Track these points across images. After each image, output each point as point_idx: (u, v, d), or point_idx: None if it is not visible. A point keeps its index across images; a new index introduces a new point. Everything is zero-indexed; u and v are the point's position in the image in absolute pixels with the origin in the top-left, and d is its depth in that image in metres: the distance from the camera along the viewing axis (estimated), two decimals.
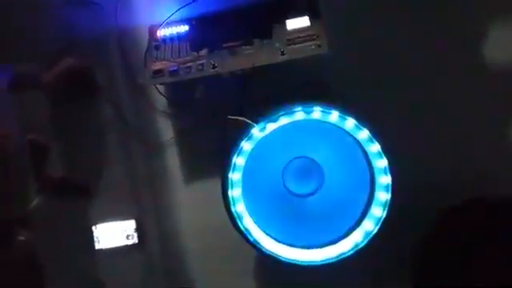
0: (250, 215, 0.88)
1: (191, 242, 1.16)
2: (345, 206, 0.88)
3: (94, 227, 1.14)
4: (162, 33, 1.04)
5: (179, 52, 1.02)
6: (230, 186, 0.86)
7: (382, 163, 0.84)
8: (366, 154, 0.86)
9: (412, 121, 1.10)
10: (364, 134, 0.83)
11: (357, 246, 0.86)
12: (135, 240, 1.14)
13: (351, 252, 0.86)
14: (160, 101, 1.13)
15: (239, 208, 0.87)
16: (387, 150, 0.84)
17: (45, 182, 1.11)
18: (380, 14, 1.09)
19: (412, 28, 1.09)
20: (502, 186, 0.98)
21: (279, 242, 0.88)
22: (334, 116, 0.83)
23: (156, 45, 1.04)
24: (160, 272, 1.17)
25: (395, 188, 0.85)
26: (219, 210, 0.89)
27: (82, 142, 1.15)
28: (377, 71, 1.10)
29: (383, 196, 0.85)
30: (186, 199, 1.15)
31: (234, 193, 0.86)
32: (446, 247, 0.99)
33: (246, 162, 0.86)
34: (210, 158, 1.10)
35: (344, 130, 0.84)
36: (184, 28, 1.04)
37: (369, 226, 0.86)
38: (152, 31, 1.06)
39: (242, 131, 0.87)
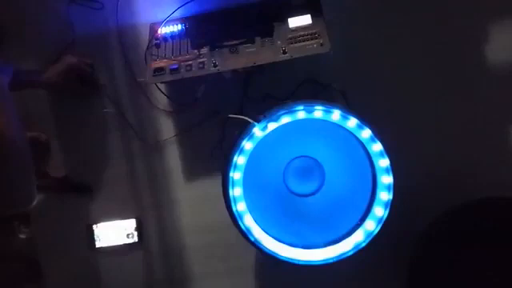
0: (251, 214, 0.87)
1: (192, 241, 1.16)
2: (346, 205, 0.88)
3: (94, 226, 1.14)
4: (162, 31, 1.04)
5: (180, 50, 1.02)
6: (230, 185, 0.86)
7: (384, 163, 0.83)
8: (367, 153, 0.85)
9: (412, 121, 1.10)
10: (366, 134, 0.83)
11: (358, 245, 0.86)
12: (135, 239, 1.14)
13: (352, 252, 0.86)
14: (160, 99, 1.12)
15: (240, 207, 0.87)
16: (389, 150, 0.84)
17: (46, 180, 1.11)
18: (380, 14, 1.09)
19: (412, 28, 1.09)
20: (502, 186, 0.98)
21: (280, 241, 0.88)
22: (336, 115, 0.83)
23: (157, 43, 1.04)
24: (160, 271, 1.17)
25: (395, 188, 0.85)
26: (220, 209, 0.89)
27: (83, 140, 1.14)
28: (377, 71, 1.10)
29: (385, 196, 0.84)
30: (187, 198, 1.15)
31: (235, 192, 0.86)
32: (445, 247, 0.99)
33: (247, 161, 0.86)
34: (211, 156, 1.10)
35: (346, 129, 0.84)
36: (185, 26, 1.04)
37: (370, 225, 0.86)
38: (153, 29, 1.06)
39: (243, 130, 0.87)
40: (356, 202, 0.87)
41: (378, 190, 0.85)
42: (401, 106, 1.10)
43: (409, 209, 1.01)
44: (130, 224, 1.14)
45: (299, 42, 0.96)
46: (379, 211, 0.85)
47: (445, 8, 1.08)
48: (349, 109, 0.86)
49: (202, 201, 1.13)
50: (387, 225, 0.85)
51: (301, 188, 0.90)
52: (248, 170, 0.86)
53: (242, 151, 0.85)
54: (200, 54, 0.99)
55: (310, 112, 0.84)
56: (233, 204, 0.86)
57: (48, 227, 1.15)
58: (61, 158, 1.14)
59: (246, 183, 0.86)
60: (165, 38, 1.04)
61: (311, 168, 0.89)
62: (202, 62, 0.98)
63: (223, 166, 0.87)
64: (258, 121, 0.84)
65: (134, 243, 1.14)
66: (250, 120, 0.85)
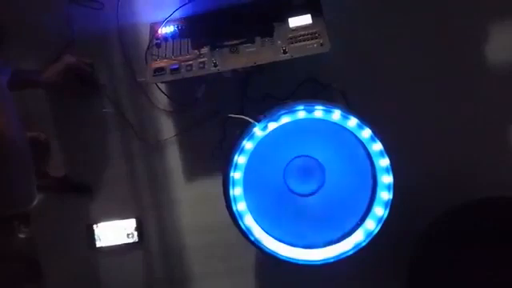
0: (251, 214, 0.87)
1: (192, 241, 1.16)
2: (346, 205, 0.88)
3: (94, 226, 1.13)
4: (163, 30, 1.04)
5: (180, 50, 1.02)
6: (231, 184, 0.85)
7: (384, 162, 0.83)
8: (368, 153, 0.85)
9: (412, 121, 1.10)
10: (366, 133, 0.83)
11: (358, 245, 0.86)
12: (136, 238, 1.14)
13: (352, 251, 0.86)
14: (161, 99, 1.12)
15: (240, 207, 0.86)
16: (389, 150, 0.84)
17: (45, 180, 1.11)
18: (380, 14, 1.10)
19: (412, 28, 1.09)
20: (502, 186, 0.98)
21: (280, 241, 0.88)
22: (336, 115, 0.83)
23: (157, 43, 1.04)
24: (160, 271, 1.17)
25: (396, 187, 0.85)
26: (220, 209, 0.89)
27: (83, 139, 1.14)
28: (377, 71, 1.10)
29: (385, 195, 0.84)
30: (187, 198, 1.15)
31: (236, 192, 0.86)
32: (445, 247, 0.99)
33: (248, 160, 0.86)
34: (211, 156, 1.09)
35: (346, 128, 0.84)
36: (185, 26, 1.04)
37: (370, 225, 0.86)
38: (153, 29, 1.06)
39: (244, 130, 0.86)
40: (356, 202, 0.87)
41: (378, 190, 0.85)
42: (401, 105, 1.10)
43: (409, 209, 1.01)
44: (129, 224, 1.14)
45: (299, 41, 0.96)
46: (379, 211, 0.85)
47: (445, 8, 1.08)
48: (349, 108, 0.86)
49: (203, 201, 1.13)
50: (387, 225, 0.85)
51: (301, 188, 0.90)
52: (248, 169, 0.86)
53: (242, 151, 0.85)
54: (200, 54, 0.99)
55: (311, 112, 0.84)
56: (233, 204, 0.86)
57: (48, 227, 1.15)
58: (61, 158, 1.14)
59: (247, 183, 0.86)
60: (165, 38, 1.04)
61: (311, 168, 0.89)
62: (203, 62, 0.98)
63: (223, 166, 0.87)
64: (259, 120, 0.84)
65: (133, 243, 1.14)
66: (250, 120, 0.85)
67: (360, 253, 0.86)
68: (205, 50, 1.00)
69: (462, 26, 1.09)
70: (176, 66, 0.98)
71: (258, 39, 0.99)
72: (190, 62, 0.98)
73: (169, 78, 0.98)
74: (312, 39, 0.96)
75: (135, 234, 1.14)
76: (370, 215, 0.86)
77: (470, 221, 0.99)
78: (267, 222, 0.88)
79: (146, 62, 1.02)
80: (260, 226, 0.88)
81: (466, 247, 0.97)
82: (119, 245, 1.14)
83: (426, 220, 1.02)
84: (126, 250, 1.14)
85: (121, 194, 1.14)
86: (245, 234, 0.87)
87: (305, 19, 0.99)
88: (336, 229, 0.88)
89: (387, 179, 0.84)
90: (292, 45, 0.96)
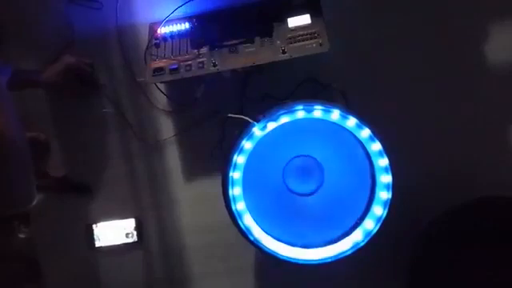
0: (251, 214, 0.87)
1: (191, 241, 1.16)
2: (345, 204, 0.88)
3: (94, 225, 1.14)
4: (162, 30, 1.04)
5: (179, 50, 1.02)
6: (230, 184, 0.85)
7: (383, 162, 0.83)
8: (367, 152, 0.85)
9: (412, 120, 1.10)
10: (365, 133, 0.83)
11: (357, 245, 0.85)
12: (135, 238, 1.14)
13: (351, 251, 0.86)
14: (160, 99, 1.12)
15: (239, 207, 0.86)
16: (389, 150, 0.84)
17: (45, 180, 1.11)
18: (380, 14, 1.09)
19: (412, 28, 1.09)
20: (502, 186, 0.98)
21: (279, 240, 0.88)
22: (336, 115, 0.83)
23: (156, 43, 1.04)
24: (160, 270, 1.17)
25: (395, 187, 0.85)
26: (219, 209, 0.89)
27: (82, 139, 1.14)
28: (377, 71, 1.10)
29: (384, 195, 0.84)
30: (186, 198, 1.15)
31: (235, 191, 0.86)
32: (445, 247, 0.99)
33: (247, 160, 0.86)
34: (211, 156, 1.09)
35: (345, 128, 0.84)
36: (184, 26, 1.04)
37: (369, 225, 0.86)
38: (152, 29, 1.06)
39: (243, 130, 0.86)
40: (355, 202, 0.87)
41: (377, 190, 0.85)
42: (401, 105, 1.10)
43: (409, 209, 1.01)
44: (129, 224, 1.14)
45: (298, 41, 0.96)
46: (378, 210, 0.85)
47: (445, 8, 1.08)
48: (348, 108, 0.86)
49: (202, 200, 1.13)
50: (387, 225, 0.85)
51: (300, 187, 0.90)
52: (247, 169, 0.86)
53: (241, 151, 0.85)
54: (199, 54, 1.00)
55: (310, 112, 0.84)
56: (232, 203, 0.86)
57: (48, 227, 1.15)
58: (60, 158, 1.14)
59: (246, 183, 0.86)
60: (164, 38, 1.04)
61: (310, 167, 0.89)
62: (202, 62, 0.98)
63: (223, 166, 0.87)
64: (258, 120, 0.84)
65: (133, 243, 1.14)
66: (249, 120, 0.85)
67: (359, 252, 0.86)
68: (204, 49, 1.00)
69: (462, 25, 1.09)
70: (175, 66, 0.99)
71: (257, 39, 0.99)
72: (189, 62, 0.98)
73: (168, 78, 0.98)
74: (311, 39, 0.96)
75: (134, 233, 1.14)
76: (368, 215, 0.86)
77: (469, 221, 0.99)
78: (266, 221, 0.88)
79: (146, 62, 1.02)
80: (259, 225, 0.88)
81: (466, 247, 0.97)
82: (118, 245, 1.14)
83: (425, 220, 1.02)
84: (125, 250, 1.14)
85: (120, 193, 1.14)
86: (244, 234, 0.87)
87: (304, 19, 0.99)
88: (335, 228, 0.88)
89: (386, 179, 0.84)
90: (291, 45, 0.96)
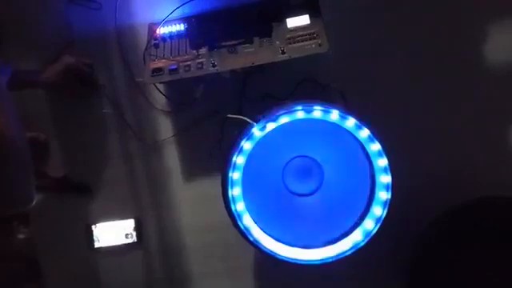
0: (250, 214, 0.87)
1: (191, 241, 1.16)
2: (345, 205, 0.88)
3: (93, 226, 1.14)
4: (161, 31, 1.04)
5: (179, 50, 1.02)
6: (229, 184, 0.85)
7: (382, 162, 0.83)
8: (366, 153, 0.85)
9: (412, 120, 1.10)
10: (364, 133, 0.83)
11: (357, 245, 0.85)
12: (134, 239, 1.14)
13: (351, 251, 0.86)
14: (159, 99, 1.12)
15: (239, 207, 0.86)
16: (388, 150, 0.84)
17: (45, 180, 1.11)
18: (380, 14, 1.09)
19: (412, 28, 1.09)
20: (502, 185, 0.98)
21: (279, 241, 0.88)
22: (335, 115, 0.83)
23: (155, 43, 1.04)
24: (160, 271, 1.17)
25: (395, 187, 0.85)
26: (219, 209, 0.89)
27: (82, 140, 1.14)
28: (376, 71, 1.10)
29: (384, 195, 0.84)
30: (186, 198, 1.15)
31: (234, 192, 0.86)
32: (445, 247, 0.99)
33: (246, 161, 0.86)
34: (210, 156, 1.09)
35: (344, 129, 0.84)
36: (184, 26, 1.05)
37: (369, 225, 0.85)
38: (151, 29, 1.06)
39: (242, 130, 0.86)
40: (355, 202, 0.87)
41: (377, 190, 0.85)
42: (400, 105, 1.09)
43: (409, 209, 1.01)
44: (128, 224, 1.14)
45: (298, 42, 0.96)
46: (378, 210, 0.85)
47: (445, 8, 1.08)
48: (347, 109, 0.85)
49: (202, 201, 1.13)
50: (387, 225, 0.85)
51: (300, 188, 0.90)
52: (247, 169, 0.86)
53: (241, 151, 0.85)
54: (199, 55, 0.99)
55: (309, 112, 0.83)
56: (232, 204, 0.86)
57: (47, 227, 1.15)
58: (60, 158, 1.14)
59: (245, 183, 0.86)
60: (163, 39, 1.04)
61: (310, 168, 0.89)
62: (201, 63, 0.98)
63: (222, 166, 0.87)
64: (257, 121, 0.84)
65: (132, 243, 1.14)
66: (248, 120, 0.85)
67: (359, 253, 0.86)
68: (203, 50, 1.00)
69: (462, 26, 1.09)
70: (174, 67, 0.98)
71: (256, 39, 0.99)
72: (189, 63, 0.98)
73: (167, 78, 0.98)
74: (310, 39, 0.96)
75: (134, 234, 1.14)
76: (368, 215, 0.86)
77: (470, 221, 0.99)
78: (266, 222, 0.88)
79: (145, 63, 1.02)
80: (259, 226, 0.88)
81: (466, 247, 0.97)
82: (118, 245, 1.14)
83: (425, 220, 1.02)
84: (124, 251, 1.15)
85: (120, 194, 1.14)
86: (244, 234, 0.87)
87: (303, 19, 0.99)
88: (335, 229, 0.88)
89: (385, 179, 0.84)
90: (290, 45, 0.96)
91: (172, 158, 1.14)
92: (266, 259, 0.87)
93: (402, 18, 1.09)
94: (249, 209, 0.87)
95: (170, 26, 1.05)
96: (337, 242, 0.87)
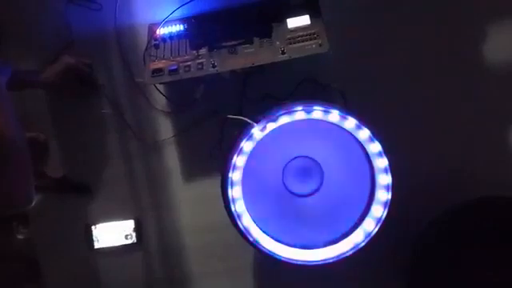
0: (250, 214, 0.87)
1: (191, 241, 1.16)
2: (345, 205, 0.88)
3: (93, 227, 1.13)
4: (161, 31, 1.04)
5: (179, 51, 1.02)
6: (229, 185, 0.85)
7: (382, 163, 0.83)
8: (366, 153, 0.85)
9: (412, 120, 1.10)
10: (364, 134, 0.83)
11: (357, 245, 0.85)
12: (134, 240, 1.14)
13: (351, 252, 0.85)
14: (159, 99, 1.12)
15: (239, 207, 0.86)
16: (389, 150, 0.84)
17: (44, 180, 1.11)
18: (379, 14, 1.09)
19: (412, 28, 1.09)
20: (502, 185, 0.98)
21: (279, 241, 0.88)
22: (335, 115, 0.83)
23: (155, 43, 1.04)
24: (160, 271, 1.17)
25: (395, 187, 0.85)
26: (219, 210, 0.89)
27: (82, 140, 1.14)
28: (376, 71, 1.10)
29: (384, 195, 0.84)
30: (186, 198, 1.15)
31: (234, 192, 0.86)
32: (445, 247, 0.99)
33: (246, 161, 0.86)
34: (210, 157, 1.09)
35: (344, 129, 0.84)
36: (183, 27, 1.04)
37: (369, 225, 0.85)
38: (151, 30, 1.05)
39: (242, 130, 0.86)
40: (355, 202, 0.87)
41: (377, 190, 0.85)
42: (400, 105, 1.09)
43: (409, 209, 1.01)
44: (128, 225, 1.14)
45: (298, 42, 0.96)
46: (378, 211, 0.85)
47: (445, 8, 1.08)
48: (348, 109, 0.85)
49: (201, 201, 1.13)
50: (387, 225, 0.85)
51: (300, 188, 0.90)
52: (247, 170, 0.86)
53: (241, 151, 0.85)
54: (199, 55, 0.99)
55: (309, 112, 0.83)
56: (232, 204, 0.86)
57: (47, 227, 1.15)
58: (60, 158, 1.14)
59: (245, 183, 0.86)
60: (163, 39, 1.04)
61: (310, 168, 0.89)
62: (201, 63, 0.98)
63: (222, 167, 0.87)
64: (257, 121, 0.84)
65: (132, 244, 1.14)
66: (248, 120, 0.85)
67: (359, 253, 0.86)
68: (203, 50, 1.00)
69: (462, 25, 1.09)
70: (174, 67, 0.98)
71: (256, 40, 0.99)
72: (189, 63, 0.98)
73: (167, 78, 0.98)
74: (310, 40, 0.96)
75: (133, 235, 1.14)
76: (368, 215, 0.86)
77: (470, 221, 0.99)
78: (266, 222, 0.88)
79: (145, 63, 1.02)
80: (258, 226, 0.88)
81: (466, 247, 0.97)
82: (117, 246, 1.14)
83: (425, 220, 1.02)
84: (124, 251, 1.15)
85: (120, 194, 1.14)
86: (243, 235, 0.87)
87: (303, 20, 0.98)
88: (335, 229, 0.88)
89: (385, 179, 0.84)
90: (290, 45, 0.96)
91: (172, 158, 1.14)
92: (266, 259, 0.87)
93: (402, 18, 1.09)
94: (248, 209, 0.87)
95: (170, 27, 1.04)
96: (337, 242, 0.87)
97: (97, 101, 1.13)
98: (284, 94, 1.07)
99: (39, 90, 1.10)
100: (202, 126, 1.11)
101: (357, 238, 0.86)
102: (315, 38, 0.96)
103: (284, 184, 0.90)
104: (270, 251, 0.87)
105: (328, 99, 1.01)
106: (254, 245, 0.87)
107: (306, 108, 0.83)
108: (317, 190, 0.90)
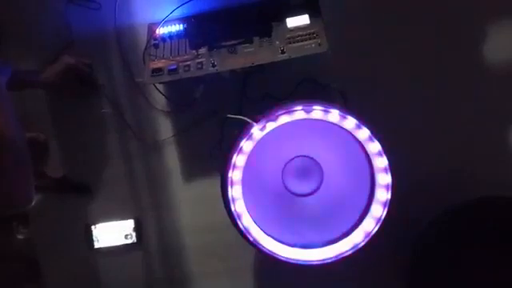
0: (250, 214, 0.87)
1: (191, 241, 1.16)
2: (345, 205, 0.88)
3: (93, 226, 1.13)
4: (161, 31, 1.04)
5: (178, 50, 1.02)
6: (229, 185, 0.85)
7: (382, 162, 0.83)
8: (366, 153, 0.85)
9: (412, 120, 1.10)
10: (364, 133, 0.83)
11: (357, 245, 0.85)
12: (134, 239, 1.14)
13: (351, 251, 0.85)
14: (159, 99, 1.12)
15: (239, 207, 0.86)
16: (388, 150, 0.84)
17: (44, 180, 1.11)
18: (379, 14, 1.09)
19: (412, 28, 1.09)
20: (502, 185, 0.98)
21: (279, 241, 0.88)
22: (335, 115, 0.83)
23: (155, 43, 1.04)
24: (160, 271, 1.17)
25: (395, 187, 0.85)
26: (219, 209, 0.89)
27: (82, 140, 1.14)
28: (376, 71, 1.09)
29: (383, 195, 0.84)
30: (186, 198, 1.15)
31: (234, 192, 0.86)
32: (445, 247, 0.99)
33: (246, 161, 0.86)
34: (210, 156, 1.09)
35: (344, 129, 0.84)
36: (183, 26, 1.04)
37: (369, 225, 0.85)
38: (151, 29, 1.06)
39: (242, 130, 0.86)
40: (354, 202, 0.87)
41: (377, 190, 0.85)
42: (400, 105, 1.09)
43: (409, 209, 1.01)
44: (128, 225, 1.14)
45: (297, 41, 0.96)
46: (378, 210, 0.85)
47: (445, 8, 1.08)
48: (347, 108, 0.85)
49: (201, 201, 1.13)
50: (387, 225, 0.85)
51: (299, 188, 0.90)
52: (247, 169, 0.86)
53: (240, 151, 0.85)
54: (198, 55, 0.99)
55: (309, 112, 0.83)
56: (231, 204, 0.86)
57: (47, 227, 1.15)
58: (60, 158, 1.14)
59: (245, 183, 0.86)
60: (163, 39, 1.04)
61: (310, 168, 0.89)
62: (201, 63, 0.98)
63: (222, 166, 0.87)
64: (257, 121, 0.84)
65: (132, 244, 1.14)
66: (248, 120, 0.85)
67: (359, 253, 0.86)
68: (203, 50, 1.00)
69: (462, 26, 1.09)
70: (174, 67, 0.98)
71: (256, 39, 0.99)
72: (188, 63, 0.98)
73: (167, 78, 0.98)
74: (310, 39, 0.96)
75: (133, 234, 1.14)
76: (368, 215, 0.86)
77: (470, 221, 0.99)
78: (266, 222, 0.88)
79: (144, 63, 1.02)
80: (258, 226, 0.88)
81: (466, 247, 0.97)
82: (117, 246, 1.14)
83: (425, 220, 1.02)
84: (124, 251, 1.15)
85: (120, 194, 1.14)
86: (243, 235, 0.87)
87: (303, 19, 0.98)
88: (334, 229, 0.88)
89: (385, 179, 0.84)
90: (290, 45, 0.96)
91: (172, 158, 1.14)
92: (266, 259, 0.87)
93: (402, 18, 1.09)
94: (248, 209, 0.87)
95: (169, 26, 1.04)
96: (337, 242, 0.87)
97: (97, 101, 1.13)
98: (284, 94, 1.07)
99: (39, 89, 1.10)
100: (202, 126, 1.11)
101: (356, 237, 0.86)
102: (314, 38, 0.96)
103: (284, 183, 0.90)
104: (269, 251, 0.87)
105: (328, 99, 1.01)
106: (254, 245, 0.87)
107: (305, 108, 0.83)
108: (316, 190, 0.90)
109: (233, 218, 0.87)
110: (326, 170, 0.89)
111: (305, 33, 0.97)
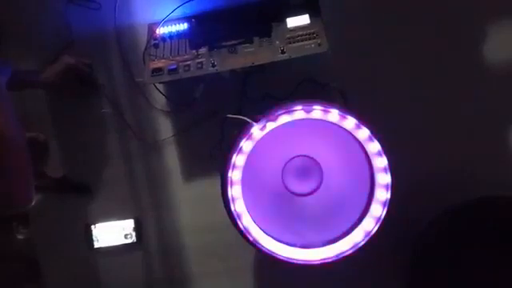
0: (250, 214, 0.87)
1: (191, 241, 1.16)
2: (344, 204, 0.88)
3: (92, 226, 1.14)
4: (161, 31, 1.04)
5: (178, 50, 1.02)
6: (229, 184, 0.85)
7: (381, 162, 0.83)
8: (365, 153, 0.85)
9: (412, 120, 1.10)
10: (364, 133, 0.83)
11: (356, 245, 0.85)
12: (134, 239, 1.14)
13: (351, 251, 0.85)
14: (159, 99, 1.12)
15: (238, 207, 0.86)
16: (388, 150, 0.84)
17: (44, 180, 1.11)
18: (379, 14, 1.09)
19: (411, 28, 1.09)
20: (502, 185, 0.98)
21: (278, 240, 0.88)
22: (334, 115, 0.83)
23: (155, 43, 1.04)
24: (160, 271, 1.17)
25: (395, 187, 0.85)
26: (219, 209, 0.89)
27: (82, 140, 1.14)
28: (376, 71, 1.09)
29: (383, 195, 0.84)
30: (186, 198, 1.15)
31: (234, 192, 0.86)
32: (445, 247, 0.99)
33: (246, 160, 0.86)
34: (210, 156, 1.09)
35: (344, 128, 0.84)
36: (183, 26, 1.04)
37: (369, 225, 0.85)
38: (151, 29, 1.06)
39: (242, 130, 0.86)
40: (354, 202, 0.87)
41: (376, 189, 0.85)
42: (400, 105, 1.09)
43: (409, 209, 1.01)
44: (128, 224, 1.14)
45: (297, 41, 0.96)
46: (377, 210, 0.85)
47: (445, 8, 1.08)
48: (347, 108, 0.85)
49: (201, 200, 1.13)
50: (387, 225, 0.85)
51: (299, 187, 0.90)
52: (246, 169, 0.86)
53: (240, 151, 0.85)
54: (198, 54, 0.99)
55: (309, 112, 0.83)
56: (231, 204, 0.86)
57: (47, 227, 1.15)
58: (60, 158, 1.14)
59: (245, 183, 0.86)
60: (163, 38, 1.04)
61: (309, 167, 0.89)
62: (201, 62, 0.98)
63: (222, 166, 0.87)
64: (257, 121, 0.84)
65: (132, 243, 1.14)
66: (248, 120, 0.85)
67: (359, 253, 0.86)
68: (203, 50, 1.00)
69: (462, 25, 1.09)
70: (174, 67, 0.98)
71: (256, 39, 0.99)
72: (188, 63, 0.98)
73: (167, 78, 0.98)
74: (310, 39, 0.96)
75: (133, 234, 1.14)
76: (368, 215, 0.86)
77: (470, 221, 0.99)
78: (265, 222, 0.88)
79: (144, 63, 1.02)
80: (258, 226, 0.88)
81: (466, 247, 0.97)
82: (117, 245, 1.14)
83: (425, 220, 1.02)
84: (124, 251, 1.15)
85: (120, 194, 1.15)
86: (243, 234, 0.87)
87: (303, 19, 0.99)
88: (334, 228, 0.88)
89: (385, 179, 0.84)
90: (290, 45, 0.96)
91: (172, 157, 1.14)
92: (266, 259, 0.87)
93: (402, 18, 1.09)
94: (248, 209, 0.87)
95: (169, 26, 1.04)
96: (337, 241, 0.87)
97: (97, 101, 1.13)
98: (284, 94, 1.07)
99: (39, 89, 1.10)
100: (202, 126, 1.11)
101: (356, 237, 0.86)
102: (314, 38, 0.96)
103: (283, 183, 0.90)
104: (269, 251, 0.87)
105: (327, 98, 1.01)
106: (254, 244, 0.87)
107: (305, 107, 0.83)
108: (316, 190, 0.90)
109: (233, 218, 0.87)
110: (325, 170, 0.89)
111: (305, 33, 0.97)
